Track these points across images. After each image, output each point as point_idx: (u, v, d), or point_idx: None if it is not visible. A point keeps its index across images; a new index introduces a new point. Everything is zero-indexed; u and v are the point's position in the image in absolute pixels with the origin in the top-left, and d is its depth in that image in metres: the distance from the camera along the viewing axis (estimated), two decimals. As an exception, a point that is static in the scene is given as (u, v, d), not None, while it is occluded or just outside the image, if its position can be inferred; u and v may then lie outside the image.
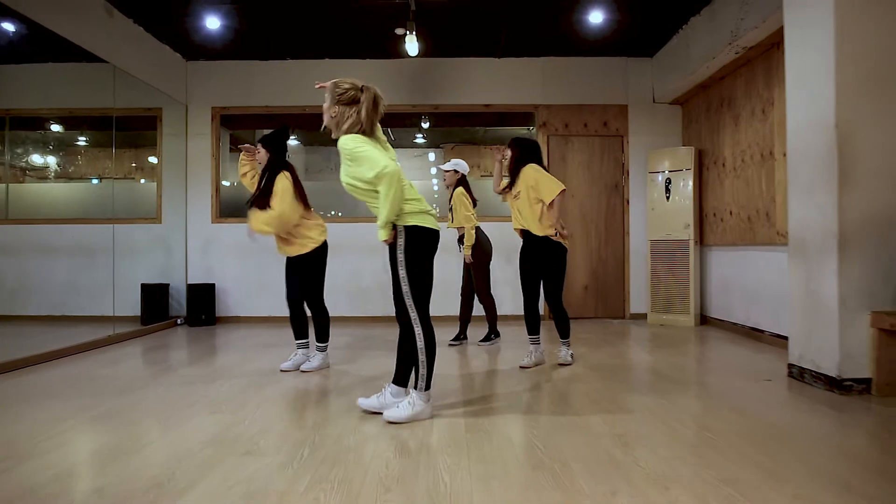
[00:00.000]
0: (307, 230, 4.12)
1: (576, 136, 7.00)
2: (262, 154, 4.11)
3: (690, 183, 6.44)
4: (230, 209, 7.16)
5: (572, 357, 4.39)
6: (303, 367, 4.20)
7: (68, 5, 4.97)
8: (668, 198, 6.57)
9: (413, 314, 2.89)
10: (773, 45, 5.02)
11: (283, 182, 4.01)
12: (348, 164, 2.84)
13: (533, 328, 4.30)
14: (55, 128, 7.99)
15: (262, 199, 4.01)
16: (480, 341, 5.18)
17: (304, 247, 4.12)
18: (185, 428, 2.83)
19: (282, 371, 4.18)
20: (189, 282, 6.92)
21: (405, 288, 2.89)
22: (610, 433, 2.72)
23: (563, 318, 4.32)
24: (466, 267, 5.09)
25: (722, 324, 6.11)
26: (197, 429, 2.82)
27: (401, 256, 2.88)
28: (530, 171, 4.16)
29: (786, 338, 4.93)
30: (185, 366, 4.46)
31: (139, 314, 6.57)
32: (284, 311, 4.41)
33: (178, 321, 6.75)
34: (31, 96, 6.82)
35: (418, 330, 2.90)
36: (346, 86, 2.86)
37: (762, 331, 5.33)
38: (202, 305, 6.73)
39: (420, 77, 6.98)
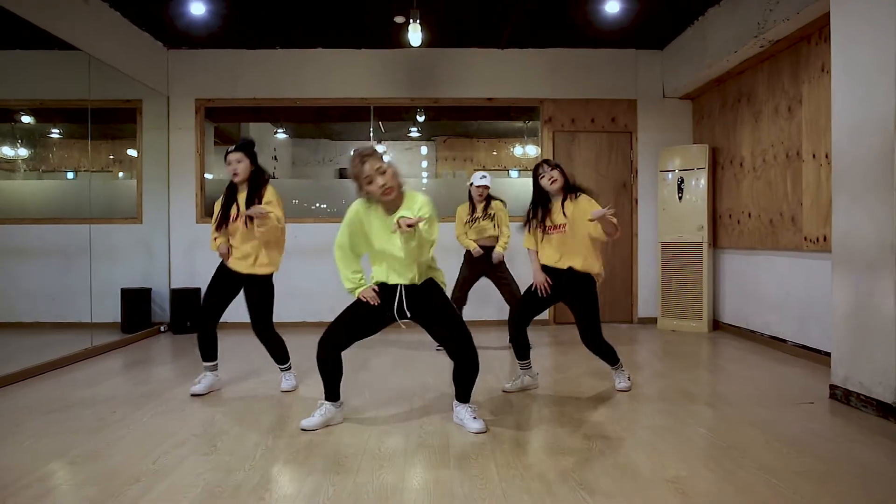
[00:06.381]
0: (277, 250, 3.73)
1: (583, 132, 6.65)
2: (244, 165, 3.64)
3: (703, 182, 6.13)
4: (216, 208, 6.70)
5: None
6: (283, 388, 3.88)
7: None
8: (680, 198, 6.26)
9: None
10: (803, 39, 4.71)
11: (274, 190, 3.70)
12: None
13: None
14: (25, 119, 7.46)
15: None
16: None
17: (262, 267, 3.68)
18: (176, 476, 2.45)
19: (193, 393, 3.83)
20: (172, 286, 6.48)
21: None
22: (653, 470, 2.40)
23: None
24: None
25: (737, 331, 5.83)
26: (190, 474, 2.44)
27: None
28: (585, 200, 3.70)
29: (814, 350, 4.67)
30: (170, 386, 4.04)
31: (119, 321, 6.14)
32: (275, 316, 3.95)
33: (162, 328, 6.31)
34: (-3, 86, 6.29)
35: None
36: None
37: (784, 340, 5.05)
38: (187, 311, 6.29)
39: (419, 69, 6.57)
